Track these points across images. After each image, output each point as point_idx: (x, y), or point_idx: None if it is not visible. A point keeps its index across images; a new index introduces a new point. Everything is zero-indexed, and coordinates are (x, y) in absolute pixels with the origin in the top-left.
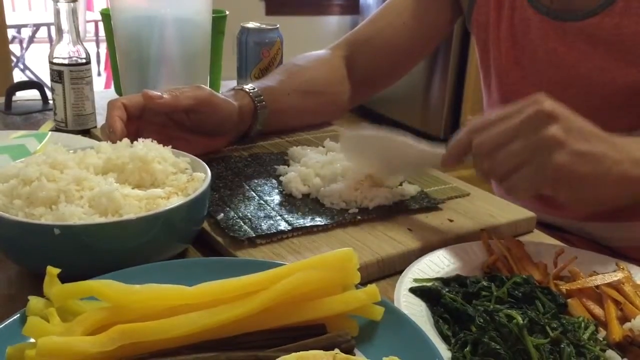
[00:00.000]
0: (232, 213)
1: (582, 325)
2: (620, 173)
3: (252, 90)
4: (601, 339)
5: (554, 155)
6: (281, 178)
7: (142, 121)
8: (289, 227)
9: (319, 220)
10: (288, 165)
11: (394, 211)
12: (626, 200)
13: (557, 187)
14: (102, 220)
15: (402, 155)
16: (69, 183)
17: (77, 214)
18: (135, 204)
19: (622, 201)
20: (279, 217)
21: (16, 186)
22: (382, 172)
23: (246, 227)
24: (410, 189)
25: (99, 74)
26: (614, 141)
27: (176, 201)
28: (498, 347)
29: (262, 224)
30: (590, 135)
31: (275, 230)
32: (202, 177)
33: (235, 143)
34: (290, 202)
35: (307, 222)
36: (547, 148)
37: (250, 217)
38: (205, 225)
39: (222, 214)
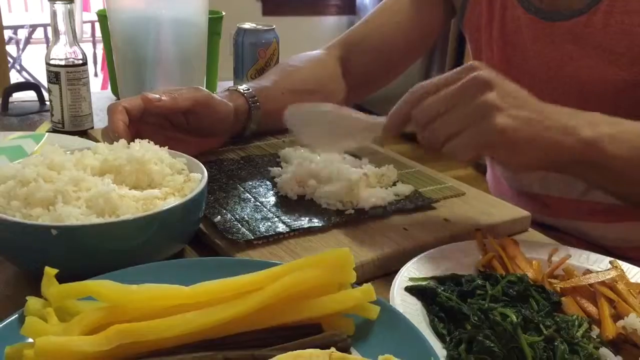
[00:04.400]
0: (229, 215)
1: (576, 323)
2: (549, 138)
3: (246, 91)
4: (595, 336)
5: (493, 120)
6: (276, 179)
7: (139, 122)
8: (287, 229)
9: (317, 222)
10: (281, 167)
11: (390, 211)
12: (554, 166)
13: (495, 150)
14: (100, 220)
15: (345, 126)
16: (66, 184)
17: (74, 215)
18: (132, 204)
19: (550, 166)
20: (276, 219)
21: (13, 187)
22: (327, 144)
23: (244, 230)
24: (406, 189)
25: (95, 75)
26: (544, 108)
27: (173, 201)
28: (492, 345)
29: (260, 226)
30: (524, 101)
31: (273, 232)
32: (198, 178)
33: (231, 143)
34: (286, 203)
35: (305, 223)
36: (486, 113)
37: (247, 219)
38: (203, 227)
39: (219, 217)
